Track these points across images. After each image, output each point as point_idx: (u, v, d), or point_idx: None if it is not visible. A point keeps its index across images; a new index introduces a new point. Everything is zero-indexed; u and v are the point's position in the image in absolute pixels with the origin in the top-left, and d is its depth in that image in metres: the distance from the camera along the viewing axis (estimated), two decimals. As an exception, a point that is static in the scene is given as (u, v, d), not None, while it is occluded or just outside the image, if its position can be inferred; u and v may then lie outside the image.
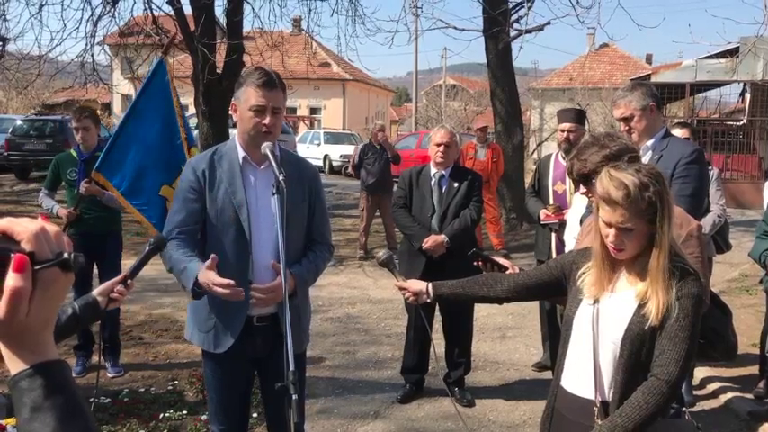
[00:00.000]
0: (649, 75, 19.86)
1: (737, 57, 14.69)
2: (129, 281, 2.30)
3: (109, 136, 5.09)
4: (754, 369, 5.03)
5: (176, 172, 4.07)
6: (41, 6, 10.36)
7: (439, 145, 4.72)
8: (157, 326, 6.27)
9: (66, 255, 0.92)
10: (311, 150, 23.49)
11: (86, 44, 10.54)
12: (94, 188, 4.78)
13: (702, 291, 2.06)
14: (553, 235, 4.93)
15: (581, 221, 3.09)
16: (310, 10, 11.58)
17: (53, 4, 11.03)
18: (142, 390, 4.75)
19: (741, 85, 19.47)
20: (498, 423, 4.49)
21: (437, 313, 4.81)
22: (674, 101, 20.92)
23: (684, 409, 3.36)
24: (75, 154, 5.12)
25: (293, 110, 32.96)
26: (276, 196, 2.35)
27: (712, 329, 2.38)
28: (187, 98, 10.74)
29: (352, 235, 10.92)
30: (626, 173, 2.00)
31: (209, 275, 2.52)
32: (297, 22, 15.57)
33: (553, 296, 2.59)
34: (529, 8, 11.23)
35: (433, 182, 4.80)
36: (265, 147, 2.55)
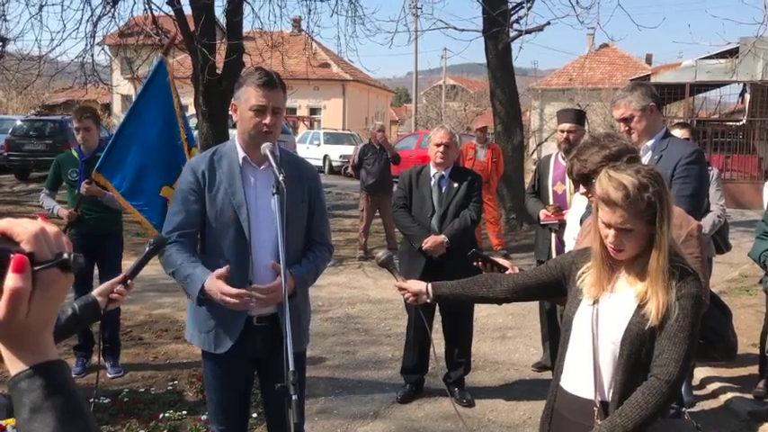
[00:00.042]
0: (649, 75, 19.86)
1: (737, 57, 14.70)
2: (128, 281, 2.31)
3: (109, 136, 5.09)
4: (754, 369, 5.03)
5: (177, 172, 4.06)
6: (41, 7, 10.38)
7: (439, 145, 4.72)
8: (157, 326, 6.27)
9: (65, 255, 0.92)
10: (311, 151, 23.48)
11: (86, 44, 10.58)
12: (95, 189, 4.78)
13: (702, 291, 2.06)
14: (553, 235, 4.93)
15: (581, 222, 3.09)
16: (310, 10, 11.61)
17: (53, 5, 11.05)
18: (142, 390, 4.75)
19: (741, 85, 19.47)
20: (498, 423, 4.49)
21: (437, 313, 4.81)
22: (673, 101, 20.93)
23: (684, 409, 3.36)
24: (75, 154, 5.13)
25: (293, 110, 32.96)
26: (276, 196, 2.34)
27: (712, 330, 2.38)
28: (187, 98, 10.74)
29: (352, 235, 10.92)
30: (625, 173, 2.00)
31: (218, 285, 2.54)
32: (297, 23, 15.59)
33: (553, 296, 2.59)
34: (528, 8, 11.26)
35: (432, 182, 4.80)
36: (265, 147, 2.55)
